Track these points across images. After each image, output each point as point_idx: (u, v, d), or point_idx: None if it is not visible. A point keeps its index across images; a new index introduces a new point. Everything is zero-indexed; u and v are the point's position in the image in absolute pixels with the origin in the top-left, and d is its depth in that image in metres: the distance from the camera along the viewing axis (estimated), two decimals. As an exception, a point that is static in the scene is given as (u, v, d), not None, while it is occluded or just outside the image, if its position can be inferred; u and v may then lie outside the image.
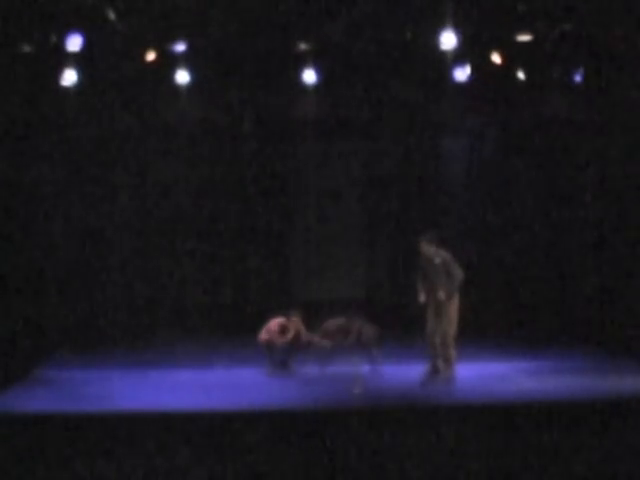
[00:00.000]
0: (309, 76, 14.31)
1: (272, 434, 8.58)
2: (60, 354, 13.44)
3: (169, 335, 15.19)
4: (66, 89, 13.53)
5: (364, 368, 11.98)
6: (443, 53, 13.30)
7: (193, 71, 14.06)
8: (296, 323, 12.38)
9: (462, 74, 14.24)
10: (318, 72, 14.29)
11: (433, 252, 11.47)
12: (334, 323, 12.35)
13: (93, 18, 12.46)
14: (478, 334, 13.94)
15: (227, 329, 15.50)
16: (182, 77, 14.09)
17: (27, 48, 12.73)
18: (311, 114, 15.60)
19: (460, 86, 14.54)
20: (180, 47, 13.46)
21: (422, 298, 11.46)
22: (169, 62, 13.80)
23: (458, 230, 15.73)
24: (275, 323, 12.39)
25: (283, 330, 12.32)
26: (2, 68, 12.25)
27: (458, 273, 11.42)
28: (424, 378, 11.45)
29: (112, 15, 12.39)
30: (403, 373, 11.90)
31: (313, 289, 16.15)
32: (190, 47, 13.45)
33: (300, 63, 14.19)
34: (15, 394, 10.63)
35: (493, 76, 14.55)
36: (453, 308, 11.46)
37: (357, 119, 15.93)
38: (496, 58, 13.84)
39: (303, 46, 13.85)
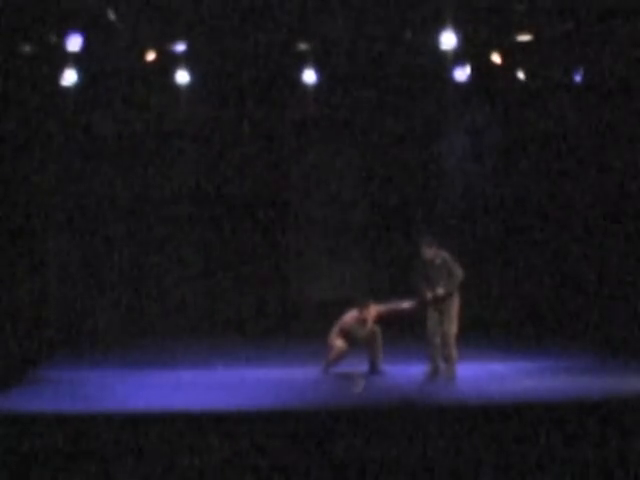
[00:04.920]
0: (309, 76, 14.32)
1: (272, 434, 8.58)
2: (60, 354, 13.44)
3: (168, 335, 15.20)
4: (66, 89, 13.54)
5: (364, 368, 11.98)
6: (443, 53, 13.31)
7: (193, 71, 14.06)
8: (371, 310, 11.94)
9: (462, 74, 14.26)
10: (318, 72, 14.29)
11: (434, 254, 11.51)
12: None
13: (93, 18, 12.46)
14: (478, 334, 13.95)
15: (227, 329, 15.52)
16: (182, 77, 14.10)
17: (27, 48, 12.73)
18: (311, 114, 15.61)
19: (460, 86, 14.55)
20: (180, 47, 13.46)
21: (429, 295, 11.45)
22: (169, 62, 13.80)
23: (458, 230, 15.74)
24: (351, 319, 12.00)
25: (362, 322, 11.93)
26: (2, 68, 12.24)
27: (459, 272, 11.45)
28: (425, 378, 11.46)
29: (112, 15, 12.39)
30: (403, 373, 11.91)
31: (312, 289, 16.15)
32: (190, 47, 13.45)
33: (300, 63, 14.20)
34: (15, 394, 10.62)
35: (493, 76, 14.57)
36: (454, 308, 11.48)
37: (357, 119, 15.95)
38: (496, 58, 13.86)
39: (303, 46, 13.86)
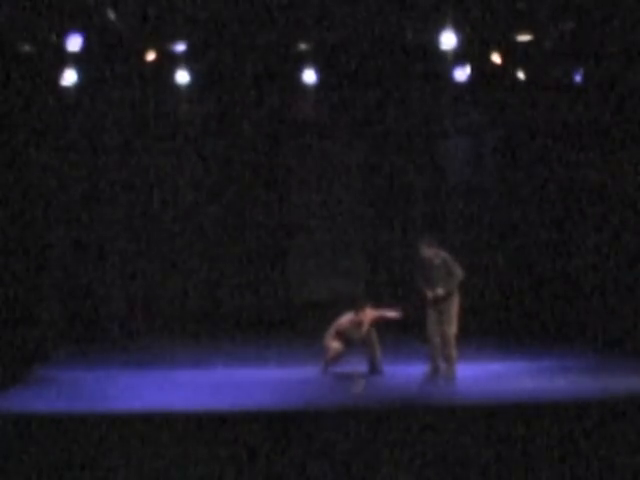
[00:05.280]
0: (309, 76, 14.33)
1: (272, 434, 8.58)
2: (60, 354, 13.44)
3: (169, 335, 15.20)
4: (66, 89, 13.55)
5: (364, 368, 11.98)
6: (443, 53, 13.32)
7: (193, 71, 14.07)
8: (367, 313, 11.95)
9: (462, 74, 14.27)
10: (318, 72, 14.30)
11: (433, 254, 11.51)
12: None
13: (93, 18, 12.46)
14: (478, 334, 13.95)
15: (226, 329, 15.51)
16: (182, 77, 14.11)
17: (27, 48, 12.74)
18: (311, 114, 15.62)
19: (460, 86, 14.56)
20: (180, 47, 13.47)
21: (430, 294, 11.45)
22: (169, 62, 13.81)
23: (458, 230, 15.74)
24: (346, 321, 12.02)
25: (358, 325, 11.94)
26: (2, 68, 12.25)
27: (459, 272, 11.45)
28: (425, 378, 11.46)
29: (112, 15, 12.40)
30: (403, 373, 11.91)
31: (312, 290, 16.15)
32: (190, 47, 13.46)
33: (300, 63, 14.20)
34: (15, 394, 10.62)
35: (493, 76, 14.58)
36: (454, 308, 11.48)
37: (357, 119, 15.95)
38: (496, 58, 13.87)
39: (303, 46, 13.86)
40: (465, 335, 11.70)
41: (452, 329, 11.45)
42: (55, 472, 8.19)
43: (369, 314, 11.99)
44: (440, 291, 11.40)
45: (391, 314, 12.04)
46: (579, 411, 9.12)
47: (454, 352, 11.47)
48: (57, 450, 8.34)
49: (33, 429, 8.60)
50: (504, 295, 15.66)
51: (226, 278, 16.02)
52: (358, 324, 11.96)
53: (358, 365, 11.98)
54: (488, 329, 14.92)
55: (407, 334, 13.47)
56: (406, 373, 11.86)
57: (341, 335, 12.01)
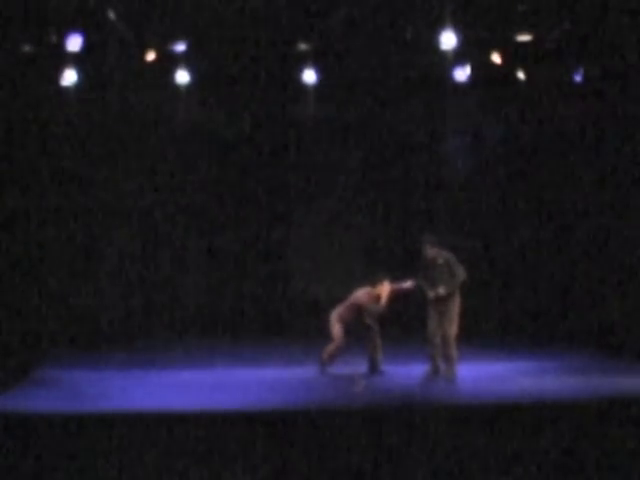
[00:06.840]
0: (309, 76, 14.33)
1: (272, 434, 8.58)
2: (60, 354, 13.44)
3: (169, 335, 15.20)
4: (66, 89, 13.56)
5: (364, 368, 11.98)
6: (443, 53, 13.32)
7: (193, 71, 14.08)
8: (385, 287, 11.97)
9: (462, 74, 14.27)
10: (318, 72, 14.30)
11: (436, 253, 11.52)
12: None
13: (93, 18, 12.48)
14: (478, 334, 13.95)
15: (227, 329, 15.51)
16: (182, 77, 14.11)
17: (27, 48, 12.74)
18: (311, 114, 15.62)
19: (460, 86, 14.57)
20: (180, 47, 13.48)
21: (432, 293, 11.45)
22: (169, 62, 13.81)
23: (458, 231, 15.74)
24: (364, 295, 12.02)
25: (376, 299, 11.96)
26: (2, 68, 12.25)
27: (461, 272, 11.46)
28: (425, 378, 11.46)
29: (112, 15, 12.41)
30: (403, 373, 11.91)
31: (312, 289, 16.14)
32: (190, 47, 13.46)
33: (300, 63, 14.21)
34: (15, 394, 10.62)
35: (493, 76, 14.59)
36: (454, 308, 11.48)
37: (357, 119, 15.95)
38: (496, 58, 13.87)
39: (303, 46, 13.86)
40: (465, 335, 11.70)
41: (453, 329, 11.46)
42: (55, 472, 8.19)
43: (386, 287, 11.97)
44: (442, 290, 11.40)
45: (406, 285, 12.03)
46: (579, 411, 9.13)
47: (454, 352, 11.47)
48: (57, 450, 8.34)
49: (33, 429, 8.60)
50: (504, 295, 15.66)
51: (227, 278, 16.01)
52: (377, 298, 11.94)
53: (358, 365, 11.97)
54: (488, 329, 14.93)
55: (407, 334, 13.46)
56: (406, 373, 11.86)
57: (357, 310, 11.92)
